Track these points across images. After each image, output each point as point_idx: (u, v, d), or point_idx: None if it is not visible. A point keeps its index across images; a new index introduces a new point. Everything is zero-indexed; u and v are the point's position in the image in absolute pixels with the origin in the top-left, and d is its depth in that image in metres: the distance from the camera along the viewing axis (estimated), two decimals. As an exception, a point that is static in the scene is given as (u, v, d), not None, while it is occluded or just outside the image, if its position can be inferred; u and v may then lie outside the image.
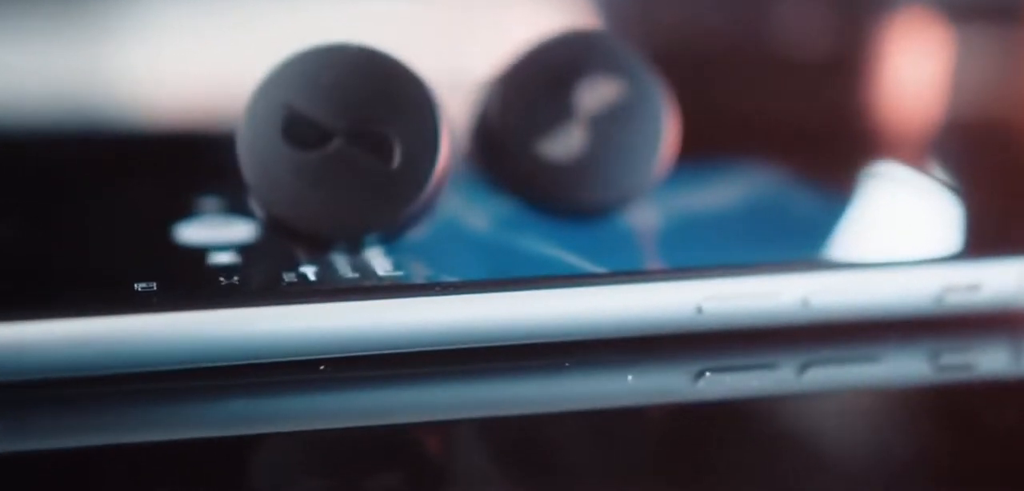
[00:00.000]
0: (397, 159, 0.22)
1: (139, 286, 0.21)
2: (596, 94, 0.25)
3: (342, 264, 0.23)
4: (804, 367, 0.23)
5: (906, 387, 0.23)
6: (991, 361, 0.24)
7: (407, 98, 0.23)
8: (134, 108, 0.48)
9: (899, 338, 0.24)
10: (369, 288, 0.22)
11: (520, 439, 0.21)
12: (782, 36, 0.50)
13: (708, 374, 0.22)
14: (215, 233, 0.25)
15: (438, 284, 0.22)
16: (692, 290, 0.22)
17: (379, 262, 0.23)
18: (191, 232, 0.25)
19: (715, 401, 0.22)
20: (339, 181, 0.22)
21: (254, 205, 0.23)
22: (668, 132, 0.26)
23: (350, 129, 0.22)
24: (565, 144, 0.25)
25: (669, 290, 0.22)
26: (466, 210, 0.27)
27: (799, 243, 0.26)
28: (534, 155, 0.25)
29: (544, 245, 0.25)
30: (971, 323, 0.24)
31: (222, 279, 0.22)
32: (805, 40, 0.50)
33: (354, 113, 0.22)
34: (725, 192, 0.30)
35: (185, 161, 0.30)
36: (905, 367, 0.24)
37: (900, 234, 0.27)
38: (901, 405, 0.23)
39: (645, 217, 0.27)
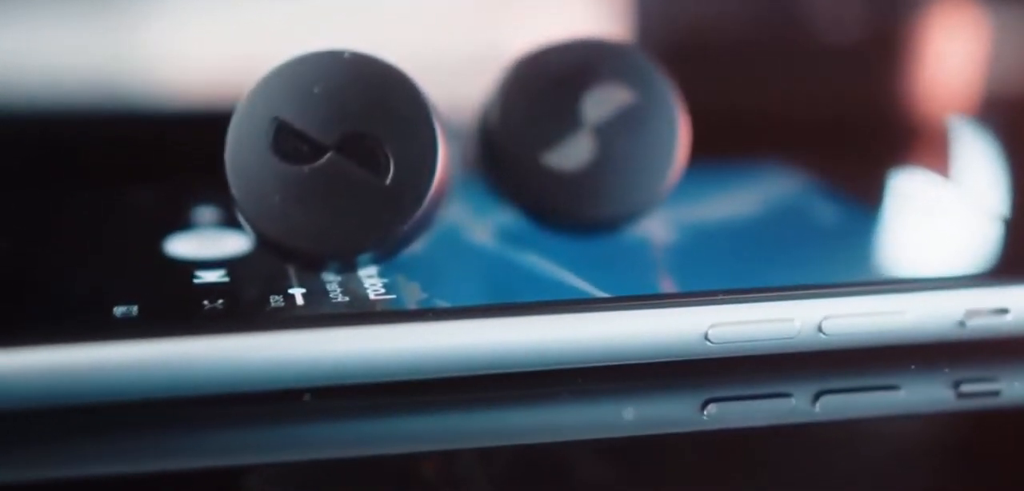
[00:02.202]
0: (391, 174, 0.21)
1: (119, 310, 0.20)
2: (604, 101, 0.24)
3: (333, 286, 0.22)
4: (817, 396, 0.22)
5: (926, 416, 0.22)
6: (1019, 391, 0.23)
7: (402, 109, 0.22)
8: (136, 104, 0.47)
9: (919, 365, 0.22)
10: (358, 315, 0.21)
11: (516, 471, 0.20)
12: (808, 26, 0.49)
13: (713, 406, 0.21)
14: (206, 247, 0.24)
15: (431, 311, 0.21)
16: (699, 316, 0.21)
17: (371, 283, 0.22)
18: (182, 245, 0.24)
19: (721, 431, 0.21)
20: (331, 198, 0.21)
21: (242, 222, 0.22)
22: (680, 141, 0.24)
23: (342, 142, 0.21)
24: (571, 155, 0.24)
25: (675, 316, 0.21)
26: (468, 221, 0.26)
27: (816, 259, 0.25)
28: (538, 166, 0.24)
29: (547, 263, 0.24)
30: (997, 349, 0.23)
31: (206, 302, 0.21)
32: (831, 30, 0.49)
33: (346, 125, 0.21)
34: (742, 200, 0.29)
35: (185, 164, 0.29)
36: (925, 396, 0.22)
37: (922, 252, 0.25)
38: (921, 435, 0.22)
39: (655, 229, 0.26)
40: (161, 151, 0.37)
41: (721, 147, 0.38)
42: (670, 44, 0.50)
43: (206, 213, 0.26)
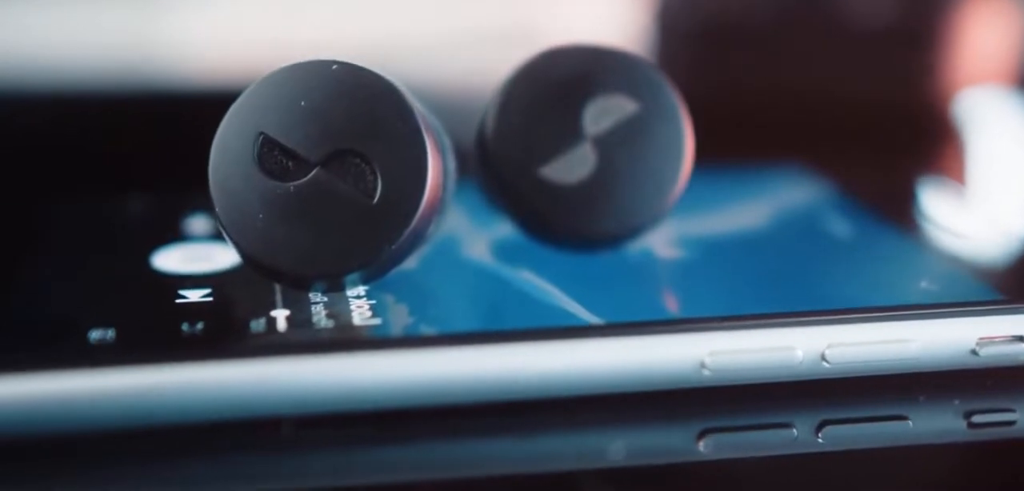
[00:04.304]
0: (379, 192, 0.21)
1: (94, 334, 0.20)
2: (605, 111, 0.23)
3: (317, 307, 0.21)
4: (820, 426, 0.21)
5: (936, 447, 0.21)
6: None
7: (391, 123, 0.21)
8: (161, 85, 0.47)
9: (928, 395, 0.21)
10: (339, 343, 0.20)
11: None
12: (837, 13, 0.47)
13: (709, 436, 0.20)
14: (194, 262, 0.23)
15: (417, 338, 0.20)
16: (694, 345, 0.20)
17: (358, 305, 0.21)
18: (170, 259, 0.24)
19: (720, 462, 0.20)
20: (316, 216, 0.21)
21: (226, 239, 0.21)
22: (686, 154, 0.23)
23: (329, 158, 0.21)
24: (571, 167, 0.23)
25: (669, 345, 0.20)
26: (466, 232, 0.25)
27: (824, 279, 0.24)
28: (536, 179, 0.23)
29: (543, 281, 0.23)
30: (1013, 377, 0.22)
31: (185, 326, 0.20)
32: (862, 16, 0.47)
33: (333, 141, 0.21)
34: (754, 210, 0.28)
35: (183, 167, 0.29)
36: (934, 426, 0.21)
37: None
38: (930, 467, 0.21)
39: (659, 244, 0.25)
40: (185, 133, 0.36)
41: (744, 140, 0.38)
42: (692, 30, 0.49)
43: (199, 223, 0.25)
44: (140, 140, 0.37)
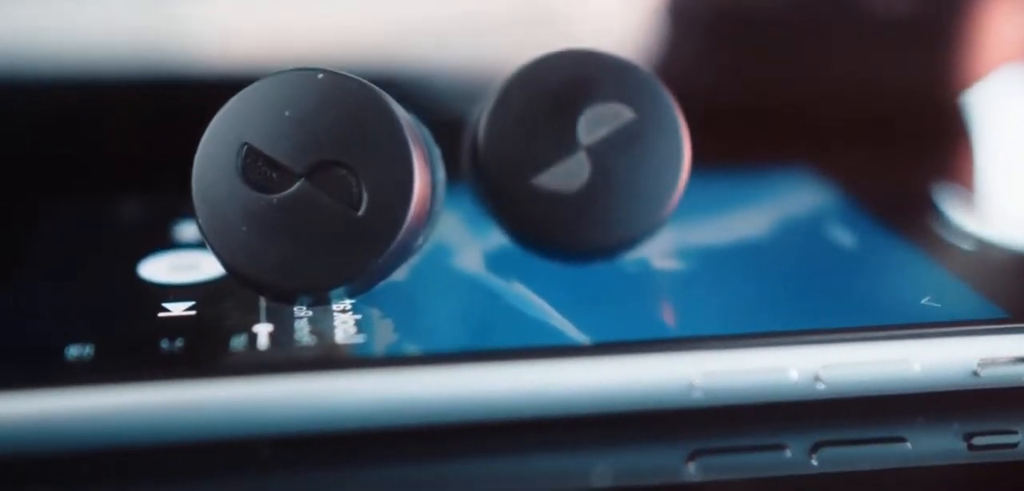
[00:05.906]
0: (364, 204, 0.20)
1: (72, 351, 0.20)
2: (600, 118, 0.23)
3: (301, 322, 0.21)
4: (815, 448, 0.20)
5: (934, 469, 0.21)
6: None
7: (377, 134, 0.20)
8: (134, 90, 0.46)
9: (927, 416, 0.21)
10: (322, 361, 0.20)
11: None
12: (851, 9, 0.47)
13: (698, 458, 0.20)
14: (179, 272, 0.23)
15: (401, 358, 0.20)
16: (684, 365, 0.20)
17: (343, 321, 0.21)
18: (155, 267, 0.23)
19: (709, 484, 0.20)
20: (300, 229, 0.20)
21: (210, 251, 0.21)
22: (683, 162, 0.23)
23: (314, 169, 0.20)
24: (564, 176, 0.23)
25: (658, 364, 0.20)
26: (459, 238, 0.25)
27: (825, 293, 0.23)
28: (529, 188, 0.23)
29: (533, 296, 0.22)
30: (1014, 399, 0.21)
31: (164, 343, 0.20)
32: (882, 6, 0.46)
33: (318, 152, 0.20)
34: (758, 216, 0.27)
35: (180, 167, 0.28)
36: (933, 448, 0.21)
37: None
38: (930, 489, 0.20)
39: (656, 254, 0.24)
40: (183, 131, 0.36)
41: (755, 137, 0.37)
42: (703, 20, 0.48)
43: (190, 229, 0.25)
44: (136, 138, 0.37)
